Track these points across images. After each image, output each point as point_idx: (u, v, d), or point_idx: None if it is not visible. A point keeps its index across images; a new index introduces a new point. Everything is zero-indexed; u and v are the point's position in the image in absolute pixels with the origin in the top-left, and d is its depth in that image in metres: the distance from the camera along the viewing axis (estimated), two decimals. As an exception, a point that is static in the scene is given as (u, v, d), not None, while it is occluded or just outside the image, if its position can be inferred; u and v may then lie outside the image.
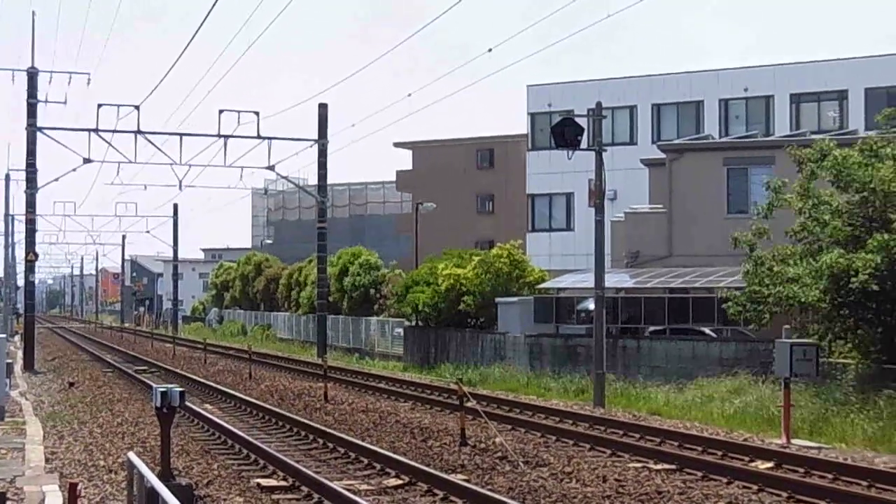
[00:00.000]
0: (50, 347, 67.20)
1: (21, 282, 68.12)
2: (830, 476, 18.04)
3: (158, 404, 15.25)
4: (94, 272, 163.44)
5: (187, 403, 23.44)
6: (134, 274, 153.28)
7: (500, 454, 20.69)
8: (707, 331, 35.04)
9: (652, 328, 36.63)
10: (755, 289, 28.26)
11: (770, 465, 19.29)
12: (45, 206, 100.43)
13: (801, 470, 18.67)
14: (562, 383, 35.27)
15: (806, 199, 28.21)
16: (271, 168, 53.68)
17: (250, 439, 21.92)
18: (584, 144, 30.50)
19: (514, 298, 42.30)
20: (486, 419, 23.79)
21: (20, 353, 51.64)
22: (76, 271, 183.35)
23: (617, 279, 38.68)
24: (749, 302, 28.73)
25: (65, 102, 61.18)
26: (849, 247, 26.71)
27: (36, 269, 53.09)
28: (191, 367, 47.91)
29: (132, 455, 12.42)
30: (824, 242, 27.62)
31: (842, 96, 53.26)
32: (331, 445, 22.08)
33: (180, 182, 55.77)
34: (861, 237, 26.88)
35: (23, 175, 52.65)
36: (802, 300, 26.61)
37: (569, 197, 59.57)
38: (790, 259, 27.97)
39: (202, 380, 38.88)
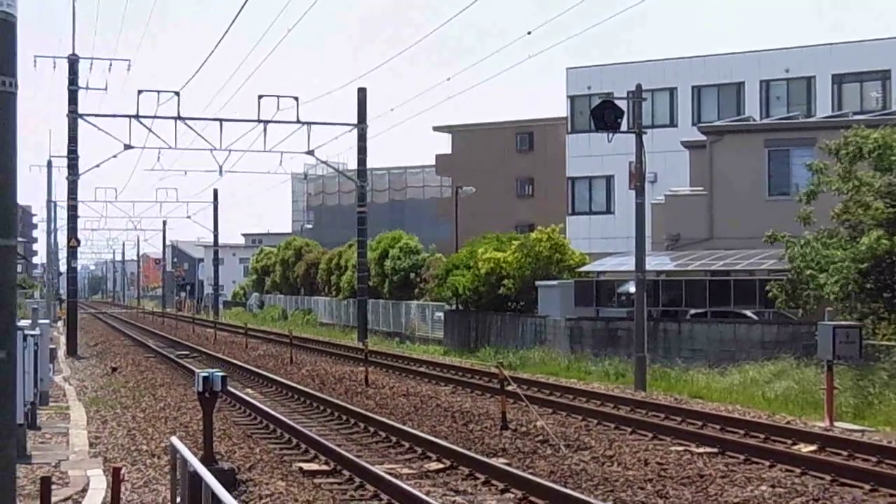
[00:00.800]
0: (92, 333, 67.68)
1: (63, 268, 68.75)
2: (874, 459, 17.92)
3: (200, 389, 15.31)
4: (135, 258, 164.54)
5: (229, 388, 23.58)
6: (175, 259, 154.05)
7: (541, 438, 20.68)
8: (749, 313, 34.80)
9: (693, 311, 36.43)
10: (802, 270, 28.01)
11: (813, 448, 19.17)
12: (87, 193, 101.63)
13: (845, 453, 18.54)
14: (602, 367, 35.18)
15: (848, 182, 27.94)
16: (311, 153, 53.71)
17: (292, 423, 22.01)
18: (623, 127, 30.38)
19: (555, 282, 42.19)
20: (527, 403, 23.78)
21: (63, 339, 52.11)
22: (118, 257, 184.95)
23: (657, 262, 38.51)
24: (793, 288, 28.54)
25: (105, 89, 61.67)
26: (891, 228, 26.45)
27: (78, 255, 53.56)
28: (232, 351, 48.15)
29: (175, 439, 12.47)
30: (867, 225, 27.38)
31: (885, 76, 52.73)
32: (372, 429, 22.13)
33: (220, 167, 56.00)
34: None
35: (64, 162, 53.03)
36: (833, 289, 26.45)
37: (609, 180, 59.39)
38: (833, 243, 27.74)
39: (243, 364, 39.06)
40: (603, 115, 29.77)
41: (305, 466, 17.82)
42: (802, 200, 29.20)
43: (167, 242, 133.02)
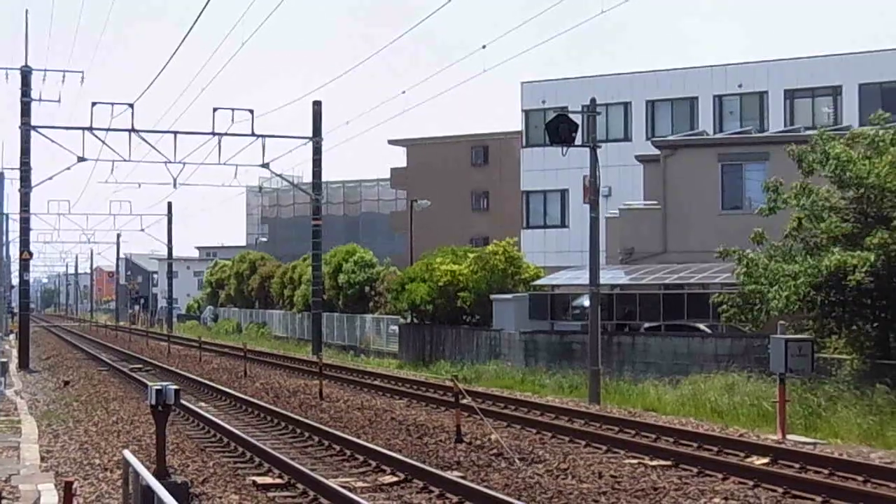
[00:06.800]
0: (45, 346, 67.11)
1: (16, 280, 68.12)
2: (826, 471, 18.04)
3: (153, 402, 15.20)
4: (88, 271, 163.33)
5: (182, 401, 23.44)
6: (129, 272, 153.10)
7: (495, 451, 20.68)
8: (702, 327, 35.00)
9: (647, 325, 36.59)
10: (751, 289, 28.11)
11: (766, 460, 19.29)
12: (40, 205, 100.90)
13: (797, 465, 18.66)
14: (556, 380, 35.24)
15: (804, 197, 28.04)
16: (266, 166, 53.51)
17: (246, 437, 21.91)
18: (578, 141, 30.43)
19: (510, 295, 42.28)
20: (482, 416, 23.80)
21: (15, 352, 51.63)
22: (71, 270, 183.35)
23: (612, 276, 38.66)
24: (744, 303, 28.67)
25: (59, 101, 61.22)
26: (845, 243, 26.62)
27: (30, 268, 52.97)
28: (186, 365, 47.88)
29: (127, 453, 12.40)
30: (821, 239, 27.54)
31: (836, 92, 53.31)
32: (326, 443, 22.07)
33: (175, 180, 55.56)
34: (857, 234, 26.76)
35: (17, 174, 52.60)
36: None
37: (563, 194, 59.62)
38: (785, 259, 27.84)
39: (197, 378, 38.85)
40: (557, 129, 29.84)
41: (259, 480, 17.75)
42: (763, 214, 29.26)
43: (121, 255, 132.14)
